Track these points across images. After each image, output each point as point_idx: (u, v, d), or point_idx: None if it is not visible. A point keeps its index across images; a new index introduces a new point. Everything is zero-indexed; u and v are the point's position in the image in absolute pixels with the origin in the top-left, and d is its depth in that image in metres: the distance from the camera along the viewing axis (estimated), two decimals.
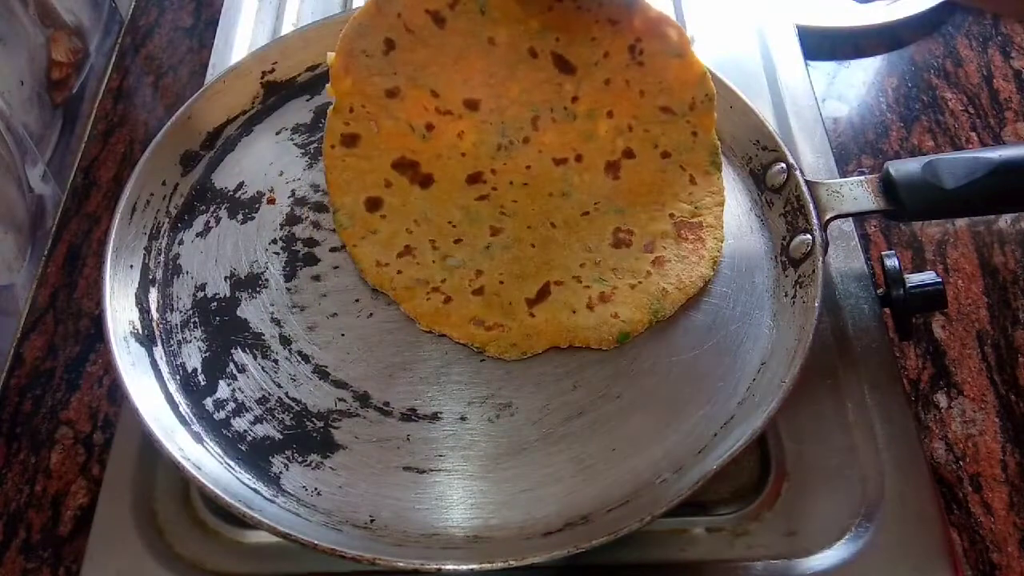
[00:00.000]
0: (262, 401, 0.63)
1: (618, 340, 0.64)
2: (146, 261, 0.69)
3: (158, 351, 0.65)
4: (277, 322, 0.67)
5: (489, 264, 0.67)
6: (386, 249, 0.67)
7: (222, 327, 0.67)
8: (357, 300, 0.68)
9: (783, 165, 0.70)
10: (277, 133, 0.78)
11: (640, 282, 0.66)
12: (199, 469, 0.56)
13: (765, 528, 0.61)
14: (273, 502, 0.58)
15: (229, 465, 0.59)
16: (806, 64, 0.87)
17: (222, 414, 0.62)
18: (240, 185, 0.75)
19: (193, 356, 0.65)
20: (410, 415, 0.63)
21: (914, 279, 0.69)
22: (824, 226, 0.66)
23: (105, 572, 0.59)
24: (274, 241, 0.71)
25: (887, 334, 0.70)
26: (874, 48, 1.03)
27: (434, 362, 0.65)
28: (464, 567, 0.52)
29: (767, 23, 0.91)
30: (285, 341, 0.66)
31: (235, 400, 0.63)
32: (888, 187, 0.68)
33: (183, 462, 0.56)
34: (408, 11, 0.66)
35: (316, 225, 0.72)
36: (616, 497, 0.58)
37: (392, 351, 0.66)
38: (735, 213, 0.73)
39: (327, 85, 0.68)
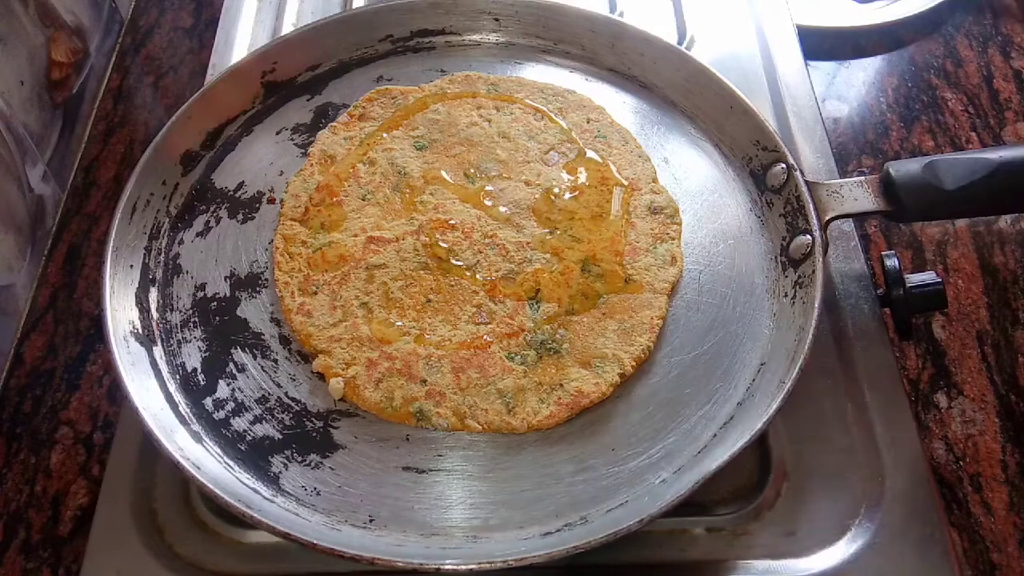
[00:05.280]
0: (262, 401, 0.63)
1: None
2: (146, 261, 0.69)
3: (158, 351, 0.65)
4: (277, 322, 0.67)
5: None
6: None
7: (222, 327, 0.67)
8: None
9: (783, 165, 0.70)
10: (277, 133, 0.78)
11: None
12: (199, 469, 0.56)
13: (765, 528, 0.61)
14: (272, 502, 0.58)
15: (229, 465, 0.59)
16: (806, 64, 0.87)
17: (222, 414, 0.62)
18: (240, 185, 0.75)
19: (193, 356, 0.65)
20: None
21: (914, 279, 0.69)
22: (824, 227, 0.66)
23: (105, 572, 0.59)
24: (273, 241, 0.71)
25: (887, 334, 0.70)
26: (874, 48, 1.03)
27: None
28: (463, 567, 0.52)
29: (767, 23, 0.91)
30: (285, 341, 0.66)
31: (235, 400, 0.63)
32: (888, 188, 0.68)
33: (183, 462, 0.56)
34: None
35: None
36: (615, 497, 0.58)
37: None
38: (735, 213, 0.73)
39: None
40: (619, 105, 0.80)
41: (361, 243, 0.70)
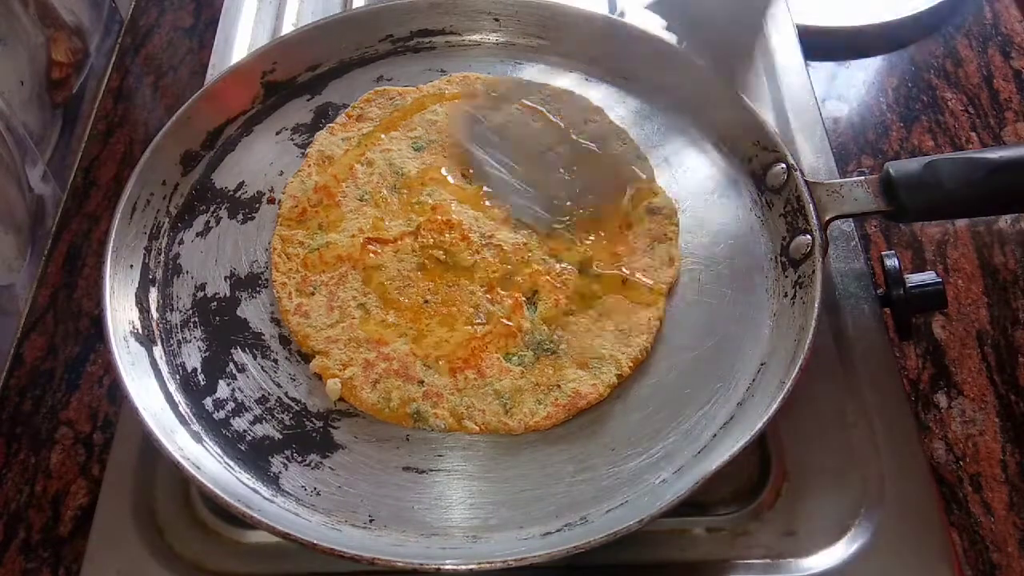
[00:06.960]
0: (262, 401, 0.63)
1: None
2: (146, 261, 0.69)
3: (158, 351, 0.65)
4: (277, 322, 0.67)
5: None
6: None
7: (222, 327, 0.67)
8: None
9: (783, 165, 0.70)
10: (277, 133, 0.78)
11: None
12: (199, 469, 0.57)
13: (765, 528, 0.61)
14: (272, 502, 0.58)
15: (228, 465, 0.59)
16: (806, 64, 0.87)
17: (222, 414, 0.62)
18: (240, 185, 0.75)
19: (193, 356, 0.65)
20: None
21: (914, 279, 0.69)
22: (824, 227, 0.66)
23: (105, 572, 0.59)
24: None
25: (887, 334, 0.70)
26: (874, 48, 1.03)
27: None
28: (463, 567, 0.52)
29: (767, 23, 0.91)
30: (285, 341, 0.66)
31: (235, 400, 0.63)
32: (888, 188, 0.68)
33: (183, 462, 0.56)
34: None
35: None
36: (615, 497, 0.58)
37: None
38: (735, 214, 0.73)
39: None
40: (618, 105, 0.80)
41: (359, 244, 0.70)
